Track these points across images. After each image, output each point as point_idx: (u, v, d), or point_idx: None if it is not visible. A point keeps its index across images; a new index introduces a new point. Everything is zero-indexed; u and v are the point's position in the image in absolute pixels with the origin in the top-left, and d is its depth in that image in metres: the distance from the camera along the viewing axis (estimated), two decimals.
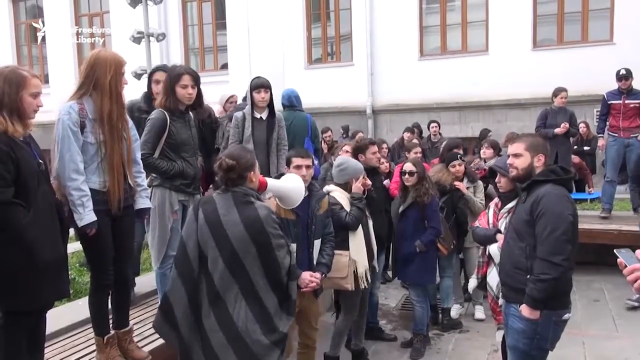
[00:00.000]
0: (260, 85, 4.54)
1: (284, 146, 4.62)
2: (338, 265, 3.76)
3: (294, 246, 3.32)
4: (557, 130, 6.94)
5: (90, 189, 2.95)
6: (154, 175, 3.71)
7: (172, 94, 3.66)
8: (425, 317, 4.66)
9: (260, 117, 4.57)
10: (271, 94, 4.58)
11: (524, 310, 2.81)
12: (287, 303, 2.77)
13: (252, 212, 2.64)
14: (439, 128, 9.27)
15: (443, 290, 5.16)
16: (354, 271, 3.89)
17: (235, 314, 2.62)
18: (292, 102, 5.24)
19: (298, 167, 3.44)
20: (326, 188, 4.06)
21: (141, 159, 3.36)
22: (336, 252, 3.73)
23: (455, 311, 5.30)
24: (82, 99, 2.96)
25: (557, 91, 7.23)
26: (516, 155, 3.00)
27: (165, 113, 3.65)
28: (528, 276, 2.81)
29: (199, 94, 3.76)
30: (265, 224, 2.64)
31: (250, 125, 4.50)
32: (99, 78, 2.94)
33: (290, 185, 3.24)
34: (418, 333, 4.66)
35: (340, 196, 3.94)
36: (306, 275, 3.26)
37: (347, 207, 3.89)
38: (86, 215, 2.88)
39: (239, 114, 4.54)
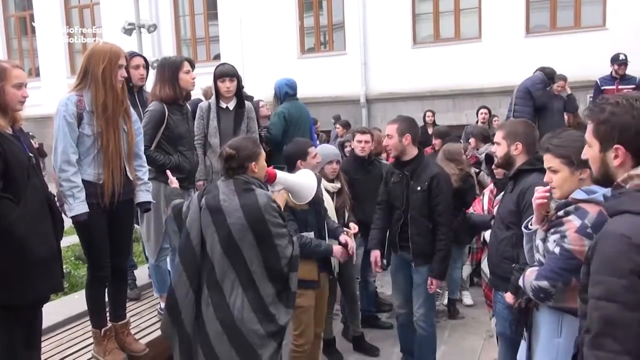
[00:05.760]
0: (224, 73, 4.20)
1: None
2: None
3: (311, 234, 3.42)
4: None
5: (85, 181, 2.94)
6: (149, 168, 3.69)
7: (175, 82, 3.65)
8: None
9: (227, 107, 4.26)
10: (238, 83, 4.29)
11: (508, 297, 2.82)
12: (287, 294, 2.74)
13: (252, 199, 2.64)
14: (489, 115, 8.56)
15: (452, 282, 5.16)
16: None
17: (231, 302, 2.62)
18: (286, 92, 5.13)
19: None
20: None
21: None
22: None
23: (446, 299, 5.32)
24: (82, 91, 2.96)
25: (557, 78, 7.25)
26: (497, 143, 3.01)
27: (164, 105, 3.63)
28: (513, 265, 2.82)
29: None
30: (264, 212, 2.63)
31: (215, 117, 4.18)
32: (93, 69, 2.93)
33: (304, 181, 3.20)
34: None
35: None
36: (338, 249, 3.47)
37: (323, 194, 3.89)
38: (76, 206, 2.88)
39: (204, 104, 4.27)
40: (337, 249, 3.47)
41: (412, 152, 3.60)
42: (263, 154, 2.86)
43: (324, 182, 3.99)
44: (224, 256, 2.63)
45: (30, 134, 11.54)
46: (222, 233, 2.63)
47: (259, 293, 2.64)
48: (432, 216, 3.55)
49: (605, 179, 1.69)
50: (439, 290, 5.23)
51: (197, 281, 2.69)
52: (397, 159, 3.66)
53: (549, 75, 7.03)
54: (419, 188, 3.54)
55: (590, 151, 1.71)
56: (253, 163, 2.75)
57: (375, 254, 3.85)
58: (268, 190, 2.81)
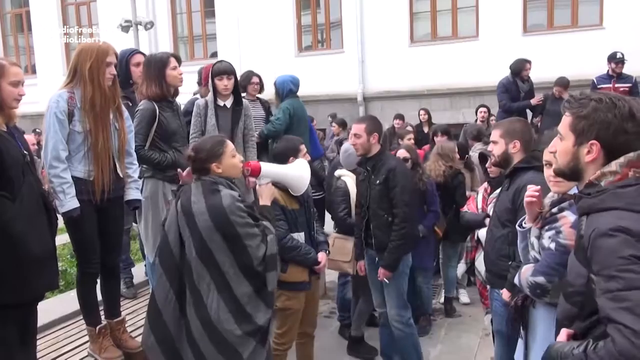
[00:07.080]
0: (222, 71, 4.12)
1: (252, 137, 4.29)
2: (343, 250, 4.00)
3: (301, 235, 3.40)
4: (533, 101, 7.16)
5: (76, 178, 2.95)
6: (144, 166, 3.68)
7: (162, 80, 3.63)
8: (431, 298, 4.84)
9: (224, 105, 4.19)
10: (236, 81, 4.24)
11: (505, 294, 2.84)
12: (264, 294, 2.72)
13: (217, 201, 2.60)
14: (489, 114, 8.57)
15: (448, 280, 5.17)
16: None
17: (208, 304, 2.61)
18: (290, 89, 5.10)
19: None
20: (337, 173, 4.23)
21: None
22: (342, 236, 4.01)
23: (443, 297, 5.33)
24: (73, 88, 2.97)
25: (554, 84, 7.29)
26: (494, 142, 3.01)
27: (154, 103, 3.62)
28: (510, 262, 2.83)
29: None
30: (229, 213, 2.59)
31: (213, 114, 4.12)
32: (80, 66, 2.95)
33: (296, 172, 3.17)
34: (425, 313, 4.73)
35: (351, 182, 4.08)
36: (322, 265, 3.49)
37: (353, 193, 4.04)
38: (67, 202, 2.88)
39: (201, 102, 4.23)
40: (322, 264, 3.49)
41: (376, 149, 3.68)
42: (227, 152, 2.75)
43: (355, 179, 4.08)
44: (197, 259, 2.62)
45: (38, 130, 11.48)
46: (195, 235, 2.62)
47: (233, 294, 2.62)
48: (391, 209, 3.59)
49: (573, 172, 1.69)
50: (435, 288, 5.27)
51: (177, 282, 2.67)
52: (363, 156, 3.72)
53: (512, 70, 7.14)
54: (377, 182, 3.61)
55: (562, 144, 1.71)
56: (214, 164, 2.70)
57: (360, 264, 3.95)
58: (236, 191, 2.72)
